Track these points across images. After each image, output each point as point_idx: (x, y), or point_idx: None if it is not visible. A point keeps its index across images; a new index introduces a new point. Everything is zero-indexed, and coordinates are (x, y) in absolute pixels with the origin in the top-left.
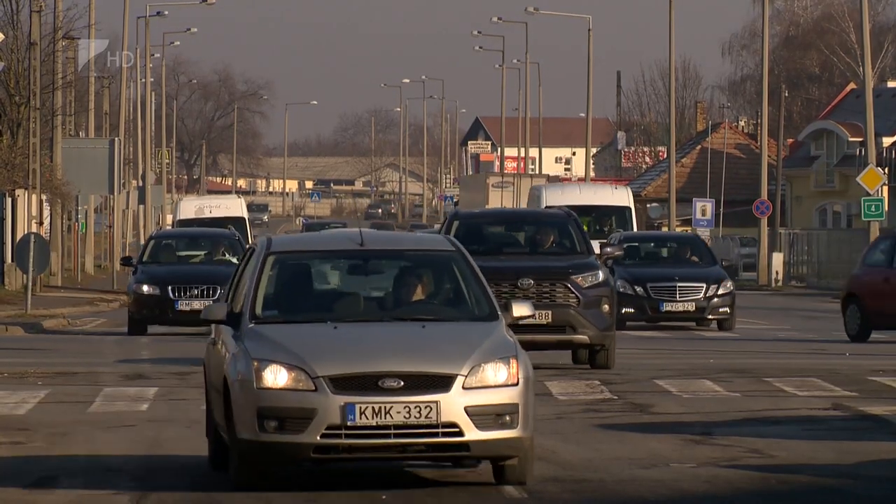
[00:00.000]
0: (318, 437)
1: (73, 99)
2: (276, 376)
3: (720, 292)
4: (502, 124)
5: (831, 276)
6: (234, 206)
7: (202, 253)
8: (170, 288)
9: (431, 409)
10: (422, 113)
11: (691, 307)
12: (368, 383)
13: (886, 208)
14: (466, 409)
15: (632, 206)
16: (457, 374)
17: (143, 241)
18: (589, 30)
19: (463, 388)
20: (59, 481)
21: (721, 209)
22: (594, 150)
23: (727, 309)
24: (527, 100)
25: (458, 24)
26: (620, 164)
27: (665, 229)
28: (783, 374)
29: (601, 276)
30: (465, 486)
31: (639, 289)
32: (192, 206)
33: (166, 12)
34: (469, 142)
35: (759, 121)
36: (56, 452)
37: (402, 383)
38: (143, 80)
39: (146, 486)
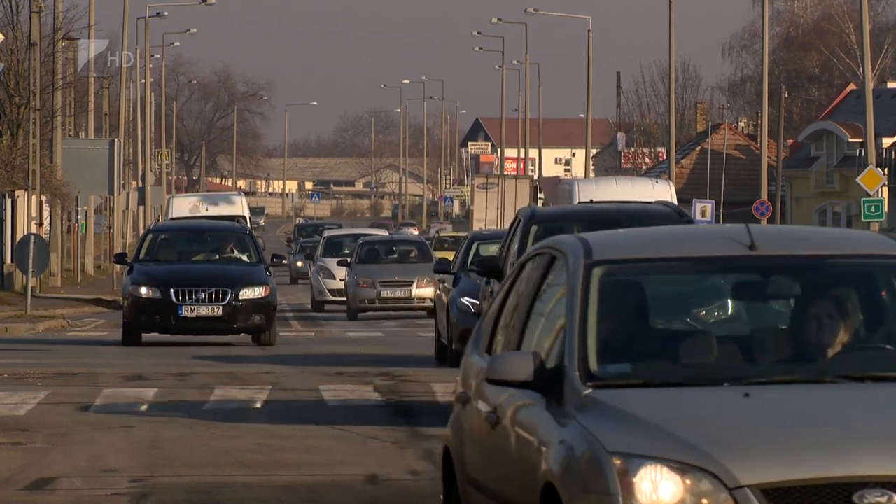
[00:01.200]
0: None
1: (72, 99)
2: (658, 485)
3: None
4: (502, 125)
5: None
6: (235, 204)
7: (207, 250)
8: (172, 291)
9: None
10: (422, 114)
11: None
12: (835, 498)
13: (886, 209)
14: None
15: (675, 201)
16: None
17: None
18: (589, 30)
19: None
20: (58, 481)
21: (721, 210)
22: (594, 151)
23: None
24: (527, 100)
25: (457, 24)
26: (620, 165)
27: None
28: None
29: None
30: None
31: None
32: (186, 204)
33: (166, 13)
34: (469, 142)
35: (758, 121)
36: (56, 453)
37: None
38: (143, 80)
39: (145, 486)
